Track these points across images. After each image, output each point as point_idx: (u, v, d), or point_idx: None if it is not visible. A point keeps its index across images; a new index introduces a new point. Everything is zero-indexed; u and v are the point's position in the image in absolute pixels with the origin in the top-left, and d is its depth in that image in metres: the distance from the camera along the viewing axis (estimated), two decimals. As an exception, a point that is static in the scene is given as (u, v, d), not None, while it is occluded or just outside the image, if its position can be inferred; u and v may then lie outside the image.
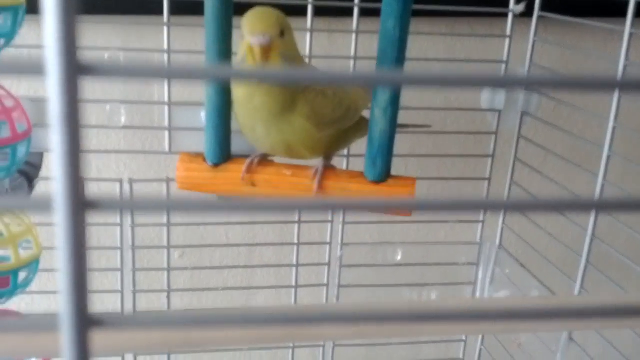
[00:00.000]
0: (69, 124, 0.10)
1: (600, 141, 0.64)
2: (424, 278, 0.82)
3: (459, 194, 0.81)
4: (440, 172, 0.83)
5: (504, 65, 0.75)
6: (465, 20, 0.80)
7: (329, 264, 0.79)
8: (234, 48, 0.55)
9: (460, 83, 0.16)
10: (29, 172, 0.64)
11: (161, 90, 0.72)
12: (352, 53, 0.70)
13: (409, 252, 0.82)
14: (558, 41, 0.81)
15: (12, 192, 0.63)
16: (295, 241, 0.77)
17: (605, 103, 0.64)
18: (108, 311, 0.77)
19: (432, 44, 0.80)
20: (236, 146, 0.59)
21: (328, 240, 0.77)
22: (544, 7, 0.73)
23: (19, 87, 0.70)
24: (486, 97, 0.76)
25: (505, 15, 0.73)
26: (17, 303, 0.60)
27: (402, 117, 0.63)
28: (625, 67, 0.61)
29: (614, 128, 0.63)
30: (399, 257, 0.82)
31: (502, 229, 0.82)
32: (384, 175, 0.58)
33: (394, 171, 0.59)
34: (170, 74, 0.12)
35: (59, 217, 0.11)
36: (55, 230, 0.11)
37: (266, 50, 0.48)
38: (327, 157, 0.59)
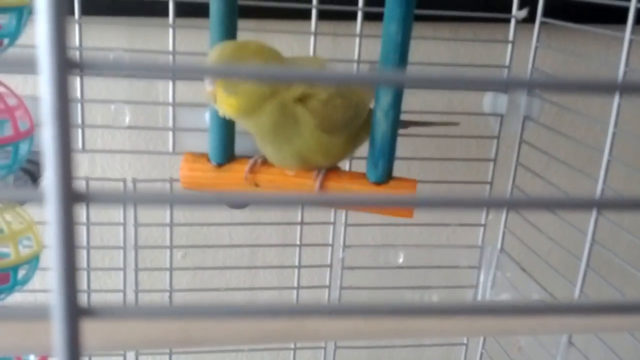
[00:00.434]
0: (60, 118, 0.11)
1: (603, 146, 0.65)
2: (426, 281, 0.82)
3: (459, 196, 0.81)
4: (442, 176, 0.83)
5: (506, 70, 0.75)
6: (469, 25, 0.80)
7: (331, 266, 0.79)
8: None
9: (463, 84, 0.16)
10: (33, 170, 0.64)
11: (165, 90, 0.73)
12: (356, 56, 0.71)
13: (411, 255, 0.83)
14: (560, 47, 0.81)
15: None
16: (298, 242, 0.77)
17: (607, 108, 0.64)
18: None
19: (435, 49, 0.80)
20: (240, 146, 0.60)
21: (330, 242, 0.78)
22: (547, 13, 0.73)
23: (25, 87, 0.71)
24: (488, 102, 0.76)
25: (508, 20, 0.74)
26: (17, 300, 0.60)
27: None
28: (625, 73, 0.61)
29: (614, 133, 0.63)
30: (400, 260, 0.82)
31: (504, 232, 0.82)
32: (386, 177, 0.58)
33: (396, 173, 0.59)
34: (172, 69, 0.13)
35: (50, 208, 0.11)
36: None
37: (211, 93, 0.51)
38: (339, 162, 0.59)
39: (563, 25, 0.71)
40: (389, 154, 0.57)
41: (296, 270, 0.78)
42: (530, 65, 0.75)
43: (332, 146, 0.55)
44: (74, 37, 0.67)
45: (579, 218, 0.68)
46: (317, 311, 0.15)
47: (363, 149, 0.59)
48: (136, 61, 0.11)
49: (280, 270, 0.86)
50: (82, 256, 0.74)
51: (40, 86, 0.11)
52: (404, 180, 0.59)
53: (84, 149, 0.69)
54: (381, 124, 0.56)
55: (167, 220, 0.74)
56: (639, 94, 0.16)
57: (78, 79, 0.67)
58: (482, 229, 0.82)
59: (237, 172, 0.59)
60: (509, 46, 0.74)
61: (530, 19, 0.73)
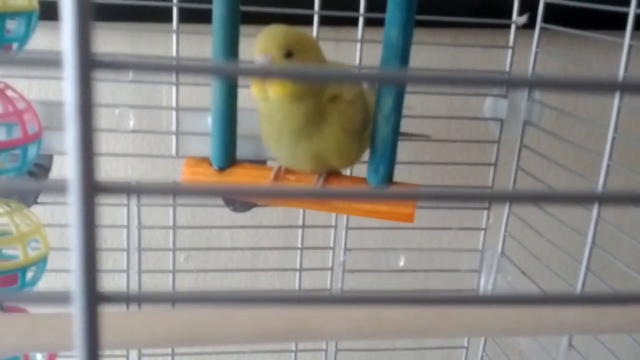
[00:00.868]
0: (84, 114, 0.12)
1: (603, 151, 0.65)
2: (427, 284, 0.83)
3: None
4: (443, 180, 0.84)
5: (506, 76, 0.76)
6: (469, 31, 0.81)
7: (332, 269, 0.80)
8: (241, 56, 0.56)
9: (464, 84, 0.16)
10: (39, 174, 0.65)
11: (169, 95, 0.73)
12: (357, 61, 0.72)
13: (412, 258, 0.83)
14: (560, 52, 0.82)
15: (22, 193, 0.64)
16: (299, 246, 0.78)
17: (608, 113, 0.65)
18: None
19: (436, 54, 0.81)
20: (241, 151, 0.60)
21: (331, 245, 0.78)
22: (547, 19, 0.74)
23: (30, 91, 0.72)
24: (489, 106, 0.77)
25: (508, 26, 0.74)
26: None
27: (407, 125, 0.64)
28: (624, 78, 0.62)
29: (613, 138, 0.64)
30: (401, 263, 0.83)
31: (504, 236, 0.82)
32: (386, 181, 0.59)
33: (397, 178, 0.60)
34: (179, 69, 0.13)
35: (73, 198, 0.12)
36: (63, 231, 0.12)
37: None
38: (349, 166, 0.59)
39: (563, 31, 0.72)
40: (390, 159, 0.58)
41: (297, 273, 0.79)
42: (530, 71, 0.76)
43: (348, 148, 0.56)
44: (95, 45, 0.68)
45: (579, 221, 0.69)
46: (321, 300, 0.16)
47: (365, 154, 0.60)
48: (158, 61, 0.12)
49: (282, 273, 0.86)
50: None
51: (65, 84, 0.12)
52: (405, 185, 0.60)
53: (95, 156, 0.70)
54: (382, 129, 0.56)
55: (170, 223, 0.75)
56: (639, 93, 0.17)
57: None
58: (482, 232, 0.82)
59: (239, 176, 0.59)
60: (509, 52, 0.75)
61: (530, 24, 0.74)
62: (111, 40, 0.73)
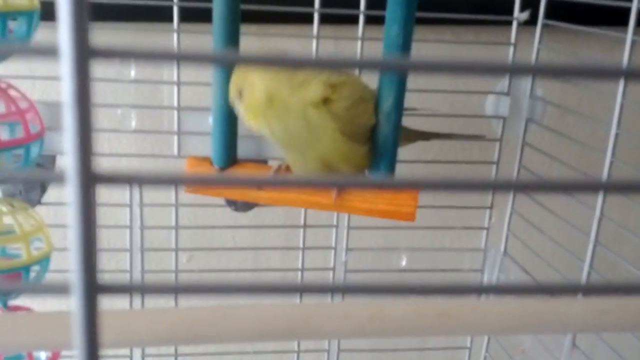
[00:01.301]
0: (81, 103, 0.12)
1: (606, 148, 0.65)
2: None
3: (463, 200, 0.82)
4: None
5: (508, 73, 0.76)
6: (471, 28, 0.81)
7: (334, 269, 0.79)
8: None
9: (466, 69, 0.16)
10: (41, 174, 0.65)
11: (170, 95, 0.73)
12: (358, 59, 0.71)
13: (414, 258, 0.83)
14: (562, 49, 0.81)
15: (25, 193, 0.65)
16: (301, 246, 0.78)
17: (611, 110, 0.64)
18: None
19: (437, 51, 0.81)
20: (242, 150, 0.60)
21: (333, 245, 0.78)
22: (548, 15, 0.73)
23: (33, 91, 0.72)
24: (491, 104, 0.77)
25: (510, 23, 0.74)
26: (29, 301, 0.61)
27: (408, 123, 0.64)
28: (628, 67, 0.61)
29: (616, 134, 0.64)
30: (403, 263, 0.83)
31: (507, 235, 0.82)
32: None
33: (399, 176, 0.59)
34: (179, 57, 0.13)
35: (71, 188, 0.12)
36: (66, 230, 0.12)
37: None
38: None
39: (565, 27, 0.72)
40: (391, 157, 0.58)
41: (299, 273, 0.79)
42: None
43: (354, 153, 0.55)
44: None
45: (582, 220, 0.69)
46: (323, 289, 0.16)
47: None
48: (150, 51, 0.12)
49: (284, 273, 0.86)
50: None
51: (62, 71, 0.12)
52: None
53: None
54: (383, 127, 0.56)
55: (173, 223, 0.75)
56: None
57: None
58: (485, 232, 0.82)
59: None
60: (511, 48, 0.75)
61: (532, 21, 0.74)
62: (112, 39, 0.73)
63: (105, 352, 0.63)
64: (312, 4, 0.69)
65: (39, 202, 0.67)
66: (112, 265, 0.80)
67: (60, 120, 0.70)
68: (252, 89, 0.52)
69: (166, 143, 0.77)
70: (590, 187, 0.18)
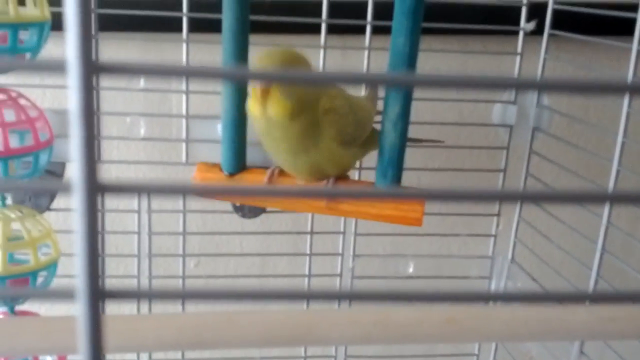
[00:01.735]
0: (86, 116, 0.12)
1: (613, 157, 0.65)
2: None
3: (471, 208, 0.82)
4: (452, 186, 0.84)
5: (515, 78, 0.76)
6: (477, 38, 0.81)
7: (340, 275, 0.80)
8: (251, 64, 0.57)
9: (472, 85, 0.16)
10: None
11: (179, 103, 0.74)
12: (365, 69, 0.72)
13: (421, 265, 0.83)
14: (568, 59, 0.82)
15: (34, 199, 0.65)
16: (308, 252, 0.78)
17: (618, 119, 0.64)
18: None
19: (444, 61, 0.82)
20: (251, 157, 0.61)
21: (340, 251, 0.79)
22: (555, 25, 0.74)
23: (44, 99, 0.73)
24: (498, 113, 0.77)
25: (517, 33, 0.75)
26: (37, 307, 0.62)
27: (416, 132, 0.64)
28: (633, 81, 0.61)
29: (623, 143, 0.64)
30: (410, 270, 0.83)
31: (515, 243, 0.82)
32: (395, 186, 0.59)
33: (406, 183, 0.60)
34: (182, 72, 0.14)
35: (76, 197, 0.13)
36: (74, 237, 0.13)
37: (265, 91, 0.50)
38: (345, 172, 0.61)
39: (571, 37, 0.72)
40: (398, 164, 0.58)
41: (306, 280, 0.79)
42: (539, 77, 0.76)
43: (342, 158, 0.57)
44: (105, 54, 0.69)
45: (589, 227, 0.69)
46: (329, 296, 0.16)
47: (372, 159, 0.60)
48: (154, 66, 0.12)
49: (291, 279, 0.87)
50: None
51: (69, 86, 0.12)
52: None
53: (100, 160, 0.71)
54: (390, 135, 0.56)
55: (181, 229, 0.76)
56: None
57: (95, 93, 0.69)
58: (492, 239, 0.82)
59: (249, 181, 0.60)
60: (518, 58, 0.75)
61: (538, 31, 0.74)
62: (123, 50, 0.74)
63: (112, 356, 0.64)
64: (319, 15, 0.70)
65: (47, 209, 0.68)
66: (120, 271, 0.81)
67: (69, 127, 0.71)
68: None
69: (175, 150, 0.77)
70: (596, 198, 0.18)
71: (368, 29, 0.71)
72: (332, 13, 0.70)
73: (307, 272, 0.79)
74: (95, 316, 0.13)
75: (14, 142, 0.52)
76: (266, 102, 0.50)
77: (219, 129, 0.65)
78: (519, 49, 0.75)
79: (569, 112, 0.76)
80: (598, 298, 0.20)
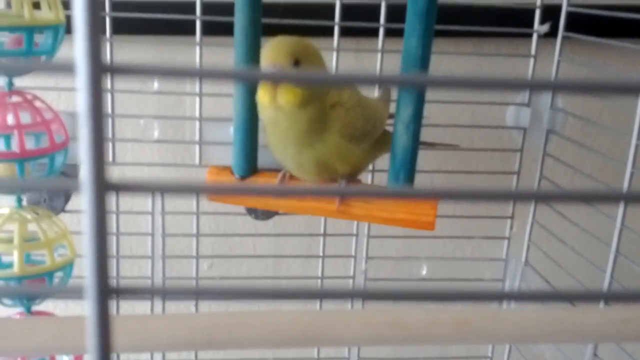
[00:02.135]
0: (95, 116, 0.12)
1: (628, 160, 0.64)
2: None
3: (484, 210, 0.82)
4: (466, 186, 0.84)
5: (528, 79, 0.76)
6: (491, 40, 0.81)
7: (353, 277, 0.80)
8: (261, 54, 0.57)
9: (486, 85, 0.16)
10: (66, 183, 0.67)
11: (192, 106, 0.75)
12: (378, 72, 0.72)
13: (434, 268, 0.83)
14: (583, 61, 0.81)
15: (49, 201, 0.66)
16: (321, 254, 0.78)
17: (633, 121, 0.64)
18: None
19: (458, 63, 0.81)
20: (262, 160, 0.61)
21: (353, 253, 0.79)
22: (569, 27, 0.73)
23: (59, 102, 0.73)
24: (511, 115, 0.77)
25: (530, 35, 0.74)
26: (52, 307, 0.62)
27: (430, 134, 0.64)
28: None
29: (637, 145, 0.63)
30: (424, 272, 0.83)
31: (528, 245, 0.82)
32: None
33: (419, 186, 0.60)
34: (197, 73, 0.14)
35: (85, 196, 0.13)
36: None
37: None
38: (356, 173, 0.60)
39: (585, 40, 0.71)
40: (410, 167, 0.58)
41: (319, 282, 0.79)
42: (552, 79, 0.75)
43: (350, 154, 0.56)
44: (106, 53, 0.70)
45: (603, 230, 0.68)
46: (342, 295, 0.16)
47: (385, 162, 0.60)
48: (163, 67, 0.13)
49: (304, 281, 0.87)
50: (112, 263, 0.76)
51: (78, 87, 0.13)
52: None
53: (114, 162, 0.72)
54: (402, 137, 0.56)
55: (194, 231, 0.76)
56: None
57: (109, 95, 0.70)
58: (506, 242, 0.82)
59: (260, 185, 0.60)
60: (531, 61, 0.75)
61: (552, 33, 0.74)
62: (137, 53, 0.75)
63: (126, 356, 0.64)
64: (332, 17, 0.70)
65: (62, 210, 0.69)
66: (134, 272, 0.82)
67: (77, 128, 0.72)
68: (308, 63, 0.51)
69: (188, 153, 0.78)
70: (610, 197, 0.18)
71: (381, 31, 0.71)
72: (345, 15, 0.70)
73: (320, 275, 0.79)
74: (103, 313, 0.13)
75: (30, 144, 0.52)
76: (276, 90, 0.50)
77: (232, 131, 0.65)
78: (533, 52, 0.75)
79: (583, 115, 0.76)
80: (613, 297, 0.20)
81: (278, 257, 0.86)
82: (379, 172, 0.73)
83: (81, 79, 0.12)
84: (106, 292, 0.13)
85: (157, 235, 0.75)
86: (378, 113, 0.59)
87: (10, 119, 0.52)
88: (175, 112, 0.78)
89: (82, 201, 0.13)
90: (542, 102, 0.76)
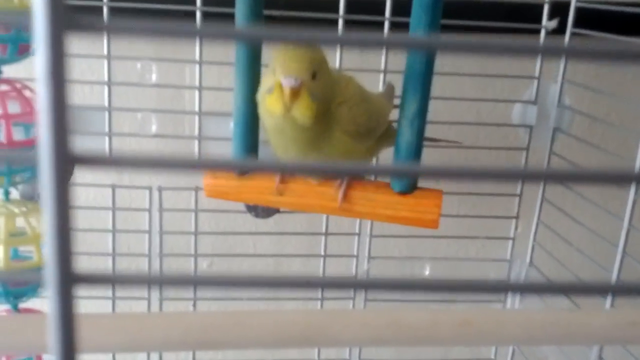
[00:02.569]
0: (55, 79, 0.11)
1: (635, 159, 0.63)
2: (452, 294, 0.81)
3: (488, 210, 0.80)
4: (471, 187, 0.82)
5: (536, 82, 0.74)
6: (498, 36, 0.79)
7: (355, 277, 0.78)
8: (263, 59, 0.56)
9: (497, 50, 0.15)
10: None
11: (192, 100, 0.73)
12: (383, 66, 0.71)
13: (438, 268, 0.82)
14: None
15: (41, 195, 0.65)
16: (322, 253, 0.77)
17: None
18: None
19: (464, 59, 0.80)
20: (263, 156, 0.60)
21: (355, 253, 0.77)
22: (577, 24, 0.72)
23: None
24: (518, 113, 0.76)
25: (538, 31, 0.73)
26: (40, 304, 0.61)
27: (434, 131, 0.63)
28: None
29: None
30: (427, 272, 0.81)
31: (533, 246, 0.80)
32: (410, 186, 0.58)
33: (424, 184, 0.58)
34: (201, 33, 0.13)
35: (43, 171, 0.11)
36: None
37: (295, 93, 0.49)
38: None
39: (594, 36, 0.70)
40: (414, 163, 0.57)
41: (321, 281, 0.78)
42: (560, 77, 0.74)
43: (355, 151, 0.55)
44: (102, 46, 0.68)
45: (609, 231, 0.67)
46: (344, 285, 0.15)
47: (388, 159, 0.59)
48: (127, 26, 0.11)
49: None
50: (107, 260, 0.75)
51: (37, 44, 0.11)
52: (429, 191, 0.58)
53: (111, 154, 0.70)
54: (406, 133, 0.55)
55: (193, 228, 0.75)
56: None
57: (106, 88, 0.68)
58: (510, 242, 0.80)
59: (260, 181, 0.59)
60: (539, 56, 0.73)
61: (560, 29, 0.72)
62: (136, 44, 0.74)
63: (122, 356, 0.63)
64: (337, 10, 0.69)
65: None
66: (131, 270, 0.80)
67: (76, 122, 0.71)
68: (322, 73, 0.51)
69: (187, 148, 0.77)
70: (622, 178, 0.17)
71: (386, 24, 0.70)
72: (349, 8, 0.69)
73: (321, 274, 0.78)
74: (66, 304, 0.12)
75: (19, 135, 0.51)
76: (294, 104, 0.49)
77: (232, 127, 0.64)
78: (540, 47, 0.73)
79: (590, 113, 0.74)
80: (620, 290, 0.19)
81: (279, 256, 0.84)
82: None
83: (39, 34, 0.11)
84: (69, 279, 0.12)
85: (155, 232, 0.74)
86: (382, 109, 0.59)
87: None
88: (174, 106, 0.77)
89: (41, 178, 0.12)
90: (549, 99, 0.75)
